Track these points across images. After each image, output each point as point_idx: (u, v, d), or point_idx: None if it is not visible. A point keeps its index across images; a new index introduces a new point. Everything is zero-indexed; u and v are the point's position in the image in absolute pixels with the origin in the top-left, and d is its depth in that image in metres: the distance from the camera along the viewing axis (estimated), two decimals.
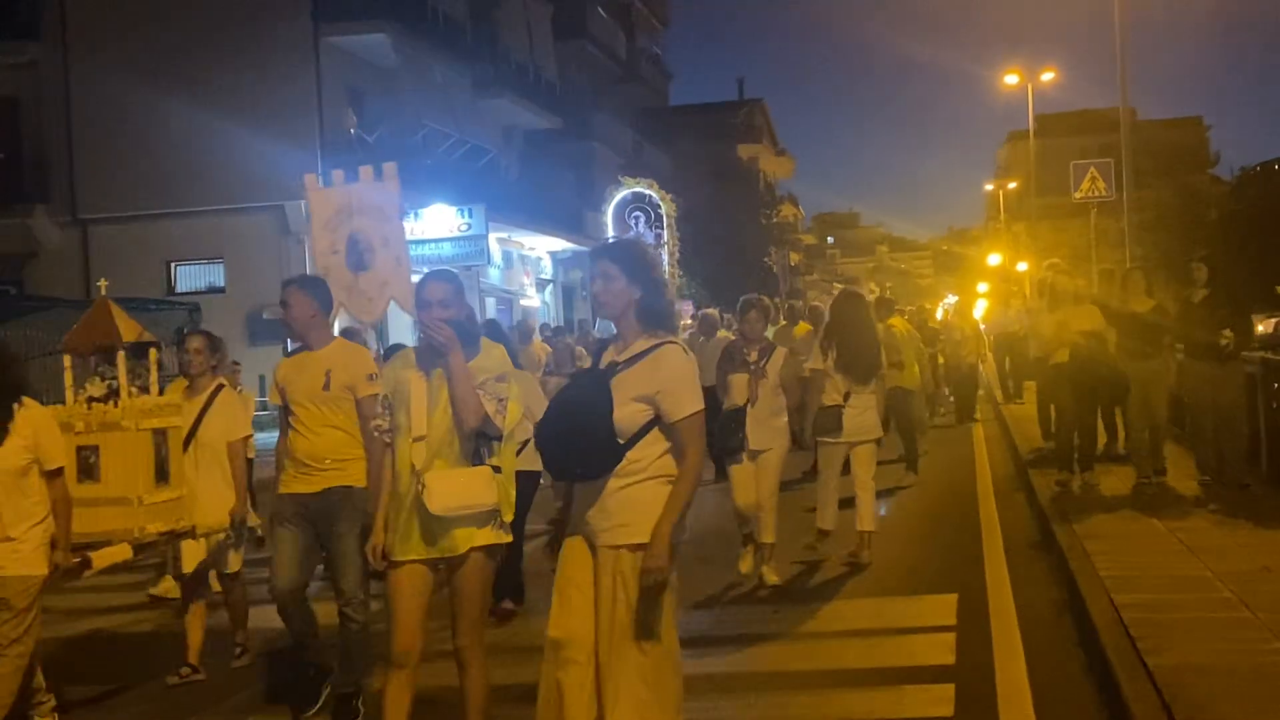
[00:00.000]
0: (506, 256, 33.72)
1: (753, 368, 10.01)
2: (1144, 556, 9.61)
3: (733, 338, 11.85)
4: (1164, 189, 46.88)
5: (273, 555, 7.14)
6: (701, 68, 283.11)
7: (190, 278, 28.07)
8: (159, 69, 26.53)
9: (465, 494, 5.58)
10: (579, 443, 4.97)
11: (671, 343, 5.08)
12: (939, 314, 32.10)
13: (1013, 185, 67.09)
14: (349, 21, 27.51)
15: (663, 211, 28.36)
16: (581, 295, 33.21)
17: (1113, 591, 8.31)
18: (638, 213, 28.14)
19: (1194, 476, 12.71)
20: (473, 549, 5.63)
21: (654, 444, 4.98)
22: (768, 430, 9.97)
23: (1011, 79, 43.62)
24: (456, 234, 27.47)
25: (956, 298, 68.04)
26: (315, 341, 7.18)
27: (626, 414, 4.94)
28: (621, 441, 4.94)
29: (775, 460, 10.07)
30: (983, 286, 69.38)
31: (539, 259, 36.57)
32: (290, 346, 9.24)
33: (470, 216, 27.45)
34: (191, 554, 8.33)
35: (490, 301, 33.15)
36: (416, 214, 27.10)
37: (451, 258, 27.86)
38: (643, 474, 4.95)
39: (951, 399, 23.63)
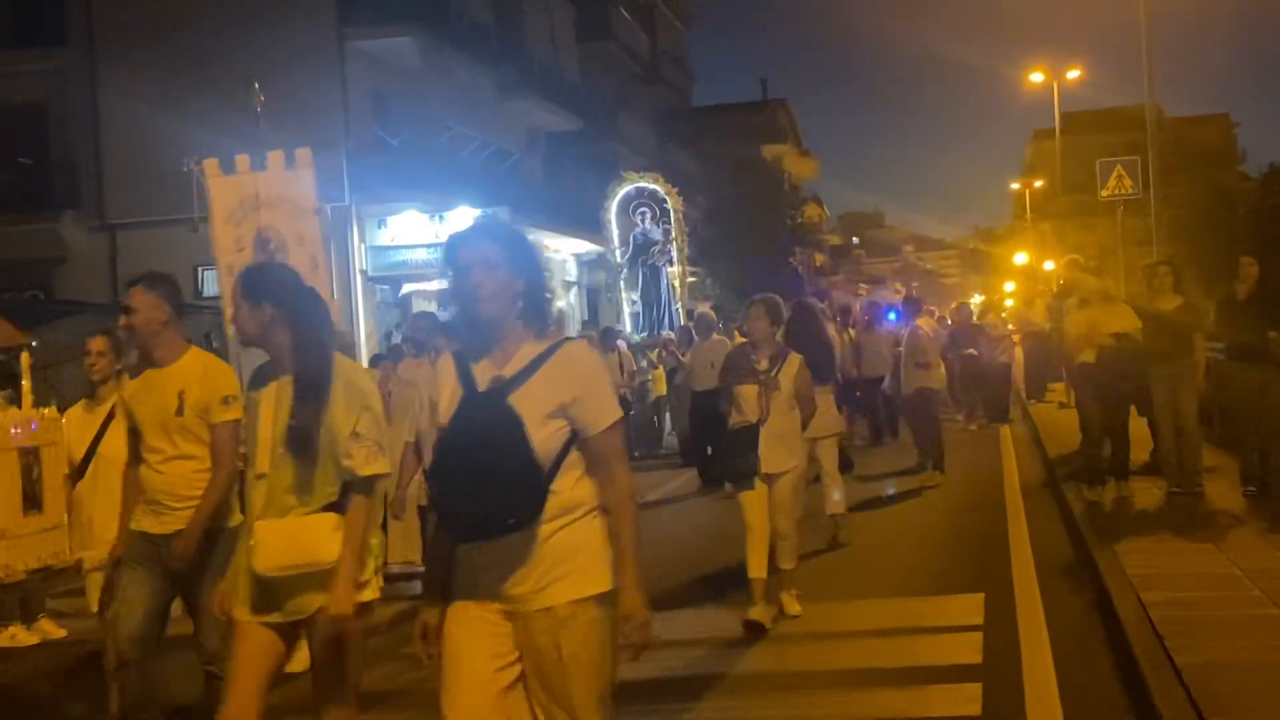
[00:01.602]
0: None
1: (763, 378, 8.73)
2: (1177, 560, 9.57)
3: (727, 340, 11.70)
4: (1191, 186, 46.66)
5: (117, 602, 5.97)
6: (725, 69, 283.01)
7: (217, 282, 28.20)
8: (185, 72, 26.67)
9: (298, 550, 4.65)
10: (498, 488, 3.90)
11: (571, 338, 4.24)
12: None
13: (1039, 184, 66.79)
14: (374, 25, 27.59)
15: (669, 207, 26.38)
16: (607, 298, 33.10)
17: (1140, 590, 8.28)
18: (643, 209, 26.28)
19: (1236, 487, 11.96)
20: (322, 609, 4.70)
21: (575, 468, 4.06)
22: (784, 449, 8.72)
23: (1037, 77, 43.43)
24: None
25: (983, 297, 67.81)
26: (164, 355, 5.98)
27: (545, 436, 3.96)
28: (544, 472, 3.98)
29: (793, 483, 8.85)
30: (1009, 286, 69.16)
31: (563, 261, 36.60)
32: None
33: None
34: (98, 589, 6.80)
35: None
36: (441, 217, 27.18)
37: None
38: (576, 509, 4.04)
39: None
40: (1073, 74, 43.74)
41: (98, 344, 7.52)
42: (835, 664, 7.84)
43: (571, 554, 4.00)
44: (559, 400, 3.99)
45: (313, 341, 4.79)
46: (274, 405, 4.75)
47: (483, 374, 4.07)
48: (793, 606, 8.95)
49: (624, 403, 16.96)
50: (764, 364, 8.82)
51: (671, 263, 26.34)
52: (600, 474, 4.07)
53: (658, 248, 26.13)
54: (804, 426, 9.01)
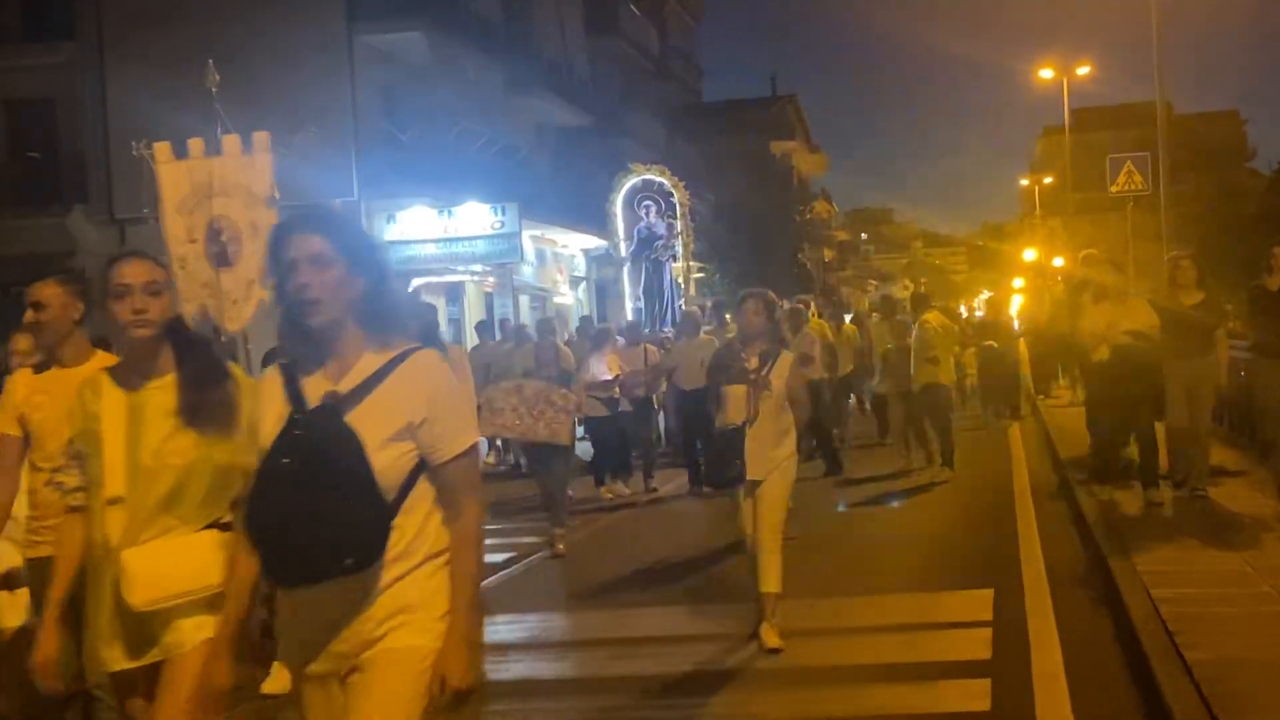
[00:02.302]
0: (540, 254, 33.77)
1: (752, 377, 8.14)
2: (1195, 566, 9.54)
3: (715, 339, 11.34)
4: (1201, 183, 46.58)
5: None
6: (734, 64, 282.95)
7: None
8: (193, 67, 26.66)
9: (178, 578, 4.01)
10: (332, 521, 3.29)
11: (420, 348, 3.58)
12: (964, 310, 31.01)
13: (1048, 180, 66.67)
14: (383, 20, 27.55)
15: (675, 200, 25.75)
16: (616, 294, 32.93)
17: (1150, 586, 8.27)
18: (648, 202, 25.72)
19: (1257, 488, 11.62)
20: (207, 641, 3.91)
21: (423, 500, 3.49)
22: (770, 456, 8.13)
23: (1047, 73, 43.37)
24: (490, 232, 27.51)
25: (991, 293, 67.71)
26: (71, 356, 5.27)
27: (387, 462, 3.39)
28: (389, 501, 3.40)
29: (776, 492, 8.13)
30: (1018, 282, 69.06)
31: (572, 256, 36.61)
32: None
33: (504, 214, 27.48)
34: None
35: (524, 299, 33.22)
36: (450, 212, 27.19)
37: (485, 255, 27.93)
38: (420, 550, 3.47)
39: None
40: (1083, 70, 43.69)
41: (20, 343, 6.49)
42: (844, 659, 7.84)
43: (408, 608, 3.44)
44: (405, 418, 3.43)
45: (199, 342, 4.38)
46: (126, 420, 4.11)
47: (314, 389, 3.46)
48: (772, 639, 7.95)
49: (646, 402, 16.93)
50: (754, 362, 8.23)
51: (676, 258, 25.91)
52: (448, 508, 3.50)
53: (662, 242, 25.73)
54: (799, 430, 8.42)
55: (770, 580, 8.07)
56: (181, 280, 7.13)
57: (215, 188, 7.86)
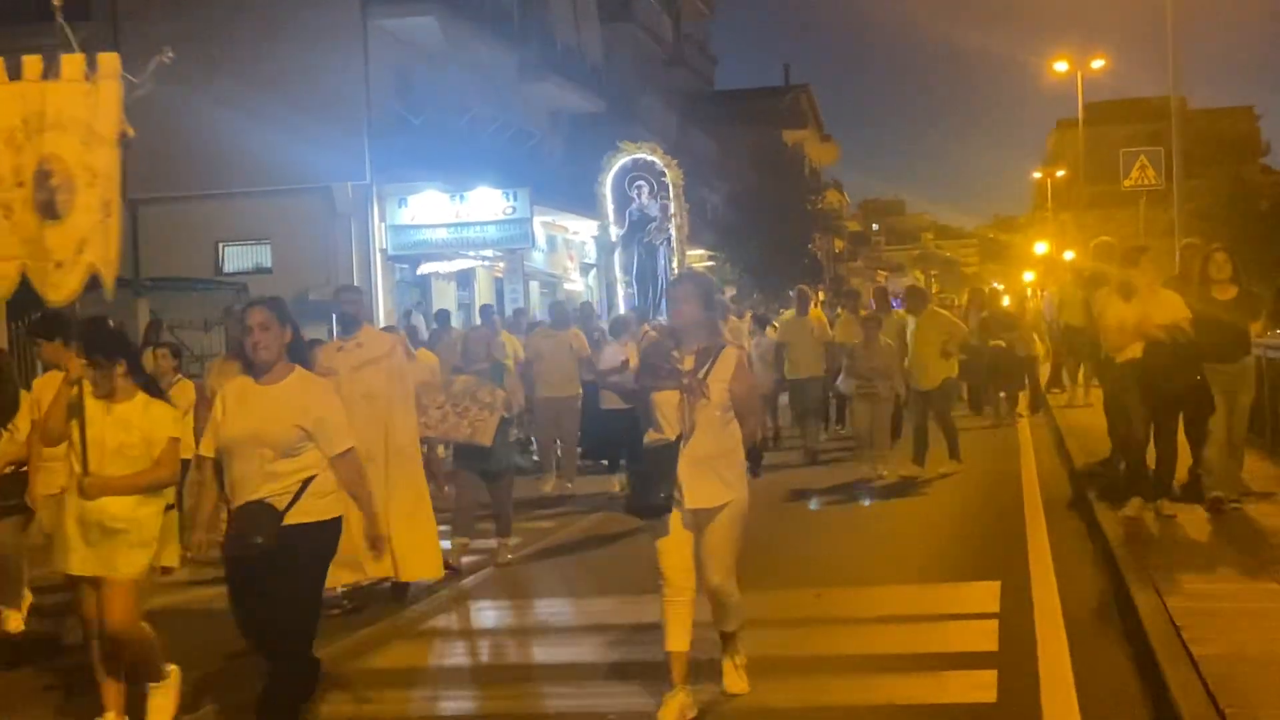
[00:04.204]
0: (550, 240, 33.75)
1: (686, 381, 6.57)
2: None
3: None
4: (1214, 179, 46.44)
5: None
6: (747, 53, 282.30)
7: (238, 258, 28.23)
8: (208, 50, 26.69)
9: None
10: None
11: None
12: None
13: (1061, 173, 66.55)
14: (397, 4, 27.53)
15: (668, 180, 23.96)
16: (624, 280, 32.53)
17: (1158, 581, 8.26)
18: (640, 182, 23.96)
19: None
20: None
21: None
22: (713, 478, 6.60)
23: (1061, 66, 43.26)
24: (501, 217, 27.48)
25: (1002, 286, 67.59)
26: None
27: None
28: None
29: (729, 522, 6.66)
30: (1029, 275, 68.93)
31: (583, 243, 36.54)
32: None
33: (515, 200, 27.45)
34: None
35: (534, 285, 33.22)
36: (462, 197, 27.17)
37: (496, 240, 27.92)
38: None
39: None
40: (1097, 64, 43.56)
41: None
42: (850, 649, 7.85)
43: None
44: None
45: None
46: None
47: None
48: (736, 682, 6.99)
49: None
50: (688, 362, 6.66)
51: (669, 241, 24.32)
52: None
53: (655, 224, 24.22)
54: (746, 446, 6.87)
55: (728, 619, 6.93)
56: (4, 232, 6.04)
57: (49, 119, 6.26)
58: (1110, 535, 10.03)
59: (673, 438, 6.57)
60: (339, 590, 9.33)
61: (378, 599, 9.82)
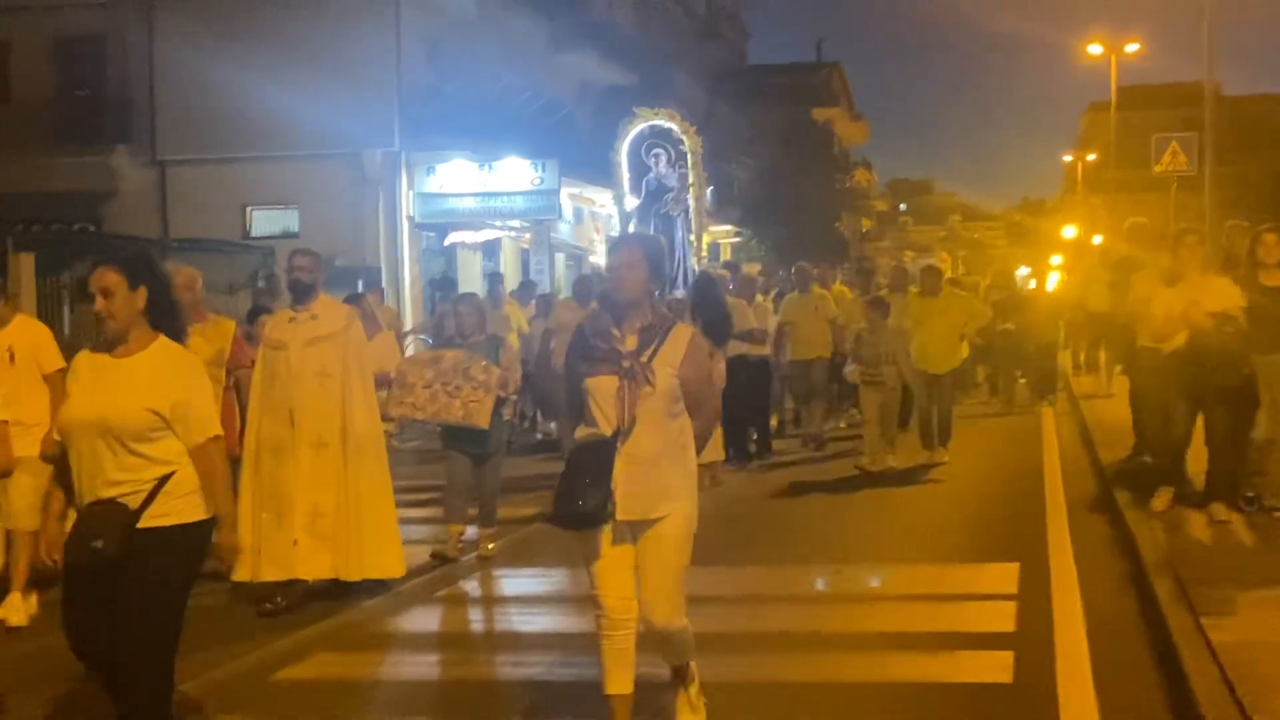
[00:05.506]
0: (577, 213, 33.70)
1: (626, 364, 5.46)
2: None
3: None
4: (1247, 165, 46.10)
5: None
6: (779, 29, 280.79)
7: (265, 223, 28.30)
8: (241, 13, 26.72)
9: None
10: None
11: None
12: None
13: (1091, 157, 66.09)
14: None
15: (685, 148, 22.68)
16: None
17: (1177, 565, 8.25)
18: (657, 150, 22.54)
19: None
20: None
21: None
22: (655, 483, 5.46)
23: (1095, 49, 42.97)
24: (529, 188, 27.47)
25: (1029, 269, 67.27)
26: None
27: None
28: None
29: (673, 540, 5.52)
30: (1056, 259, 68.56)
31: (609, 216, 36.49)
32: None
33: (543, 171, 27.42)
34: None
35: (560, 257, 33.20)
36: (490, 166, 27.17)
37: (524, 211, 27.92)
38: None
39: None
40: (1131, 47, 43.24)
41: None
42: (867, 627, 7.86)
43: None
44: None
45: None
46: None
47: None
48: (691, 718, 5.90)
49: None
50: (630, 343, 5.54)
51: (687, 212, 22.78)
52: None
53: (672, 195, 22.60)
54: (699, 445, 5.75)
55: (679, 651, 5.84)
56: None
57: None
58: (1131, 524, 10.00)
59: (608, 433, 5.44)
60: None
61: (318, 596, 8.66)
